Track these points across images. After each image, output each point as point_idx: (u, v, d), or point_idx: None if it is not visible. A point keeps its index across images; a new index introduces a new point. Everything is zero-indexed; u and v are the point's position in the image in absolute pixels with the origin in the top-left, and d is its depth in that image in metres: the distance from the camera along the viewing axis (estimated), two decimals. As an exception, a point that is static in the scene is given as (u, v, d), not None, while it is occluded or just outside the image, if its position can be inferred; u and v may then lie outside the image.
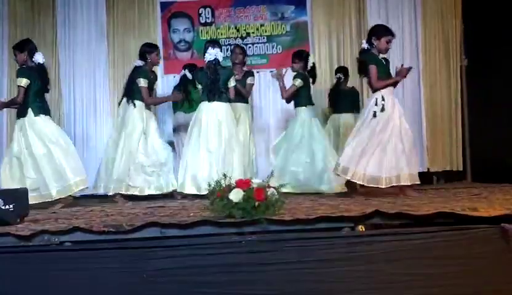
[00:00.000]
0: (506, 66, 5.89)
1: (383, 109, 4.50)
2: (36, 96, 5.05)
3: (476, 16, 6.62)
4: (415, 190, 4.55)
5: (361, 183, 4.56)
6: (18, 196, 3.51)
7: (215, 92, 5.24)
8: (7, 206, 3.28)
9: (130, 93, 5.52)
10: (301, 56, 5.79)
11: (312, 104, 5.83)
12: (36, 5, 7.05)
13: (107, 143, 5.85)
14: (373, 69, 4.59)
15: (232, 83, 5.36)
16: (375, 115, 4.51)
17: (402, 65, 4.84)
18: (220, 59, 5.33)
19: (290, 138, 5.73)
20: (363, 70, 4.77)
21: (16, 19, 7.00)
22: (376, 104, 4.52)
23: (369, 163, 4.46)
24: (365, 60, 4.68)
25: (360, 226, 2.86)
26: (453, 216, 2.86)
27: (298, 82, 5.61)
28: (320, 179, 5.47)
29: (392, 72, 4.74)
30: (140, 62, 5.59)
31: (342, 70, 6.58)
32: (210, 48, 5.30)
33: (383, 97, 4.54)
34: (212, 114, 5.23)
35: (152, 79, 5.63)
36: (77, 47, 7.08)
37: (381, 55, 4.70)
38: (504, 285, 2.61)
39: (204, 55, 5.35)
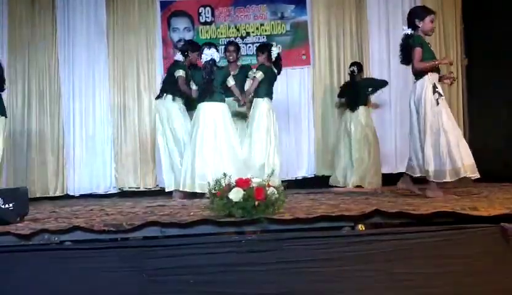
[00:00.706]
0: (506, 66, 5.88)
1: (440, 94, 4.24)
2: None
3: (476, 16, 6.62)
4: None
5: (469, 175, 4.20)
6: (18, 195, 3.50)
7: (210, 92, 5.26)
8: (7, 205, 3.28)
9: (172, 87, 5.66)
10: (264, 48, 5.83)
11: (271, 98, 5.79)
12: (35, 4, 7.04)
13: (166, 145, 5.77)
14: (418, 51, 4.26)
15: (231, 82, 5.39)
16: (438, 102, 4.19)
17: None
18: (217, 59, 5.35)
19: (248, 129, 5.74)
20: (406, 57, 4.41)
21: (16, 18, 6.99)
22: (434, 92, 4.22)
23: (461, 152, 4.17)
24: (409, 44, 4.34)
25: (360, 225, 2.86)
26: (453, 215, 2.85)
27: (259, 75, 5.62)
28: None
29: None
30: (180, 57, 5.78)
31: (356, 64, 6.43)
32: (206, 49, 5.34)
33: (435, 84, 4.27)
34: (208, 113, 5.24)
35: (189, 74, 5.70)
36: (77, 45, 7.07)
37: (427, 38, 4.45)
38: (504, 285, 2.61)
39: (200, 56, 5.38)
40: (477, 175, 4.21)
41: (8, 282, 2.65)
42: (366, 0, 7.02)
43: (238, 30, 7.09)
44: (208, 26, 7.13)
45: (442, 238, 2.65)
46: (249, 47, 7.03)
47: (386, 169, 6.53)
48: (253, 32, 7.09)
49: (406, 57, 4.44)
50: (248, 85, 5.86)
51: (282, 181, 4.49)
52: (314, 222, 2.90)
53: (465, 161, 4.15)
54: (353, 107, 6.20)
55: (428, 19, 4.37)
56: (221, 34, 7.10)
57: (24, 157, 6.75)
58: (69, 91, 7.07)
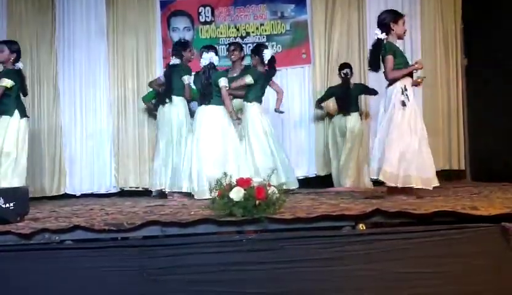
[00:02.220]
0: (506, 66, 5.89)
1: (408, 99, 4.11)
2: (19, 98, 5.17)
3: (475, 16, 6.62)
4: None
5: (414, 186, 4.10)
6: (19, 194, 3.50)
7: (208, 95, 5.24)
8: (7, 205, 3.28)
9: (171, 91, 5.63)
10: (257, 50, 5.78)
11: (260, 102, 5.73)
12: (35, 4, 7.03)
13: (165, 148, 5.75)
14: (390, 59, 4.16)
15: (222, 82, 5.24)
16: (404, 104, 4.08)
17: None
18: (216, 62, 5.31)
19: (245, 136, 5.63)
20: (376, 63, 4.30)
21: (15, 17, 6.98)
22: (402, 94, 4.10)
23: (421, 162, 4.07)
24: (380, 50, 4.23)
25: (360, 225, 2.86)
26: (454, 215, 2.86)
27: (249, 80, 5.56)
28: None
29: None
30: (176, 61, 5.67)
31: (348, 66, 6.34)
32: (204, 53, 5.29)
33: (405, 87, 4.15)
34: (205, 116, 5.25)
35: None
36: (77, 44, 7.06)
37: (399, 42, 4.35)
38: (504, 284, 2.62)
39: (200, 61, 5.35)
40: (430, 188, 4.11)
41: (9, 281, 2.65)
42: (366, 0, 7.02)
43: (238, 30, 7.08)
44: (208, 26, 7.12)
45: (443, 237, 2.65)
46: (249, 46, 6.98)
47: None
48: (253, 32, 7.07)
49: (375, 63, 4.33)
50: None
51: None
52: (315, 222, 2.90)
53: (421, 174, 4.06)
54: (347, 112, 6.21)
55: (401, 22, 4.28)
56: (221, 33, 7.09)
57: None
58: (69, 90, 7.06)
